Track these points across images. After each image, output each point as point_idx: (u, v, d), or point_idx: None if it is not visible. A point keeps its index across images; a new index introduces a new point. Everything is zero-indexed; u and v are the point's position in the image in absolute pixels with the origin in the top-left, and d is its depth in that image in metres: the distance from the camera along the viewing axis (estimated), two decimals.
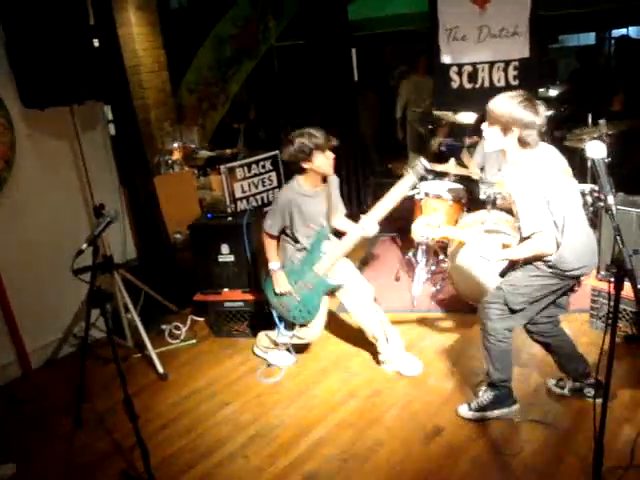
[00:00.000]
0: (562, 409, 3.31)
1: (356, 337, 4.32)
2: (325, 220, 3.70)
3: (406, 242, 5.63)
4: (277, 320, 3.87)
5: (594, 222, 4.50)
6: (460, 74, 5.69)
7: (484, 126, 2.95)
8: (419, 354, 4.00)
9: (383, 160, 8.23)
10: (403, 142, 7.85)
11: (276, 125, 8.06)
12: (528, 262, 2.94)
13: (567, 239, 2.83)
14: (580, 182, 4.58)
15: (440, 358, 3.95)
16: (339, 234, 3.78)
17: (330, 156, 3.52)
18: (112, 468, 3.23)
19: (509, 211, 4.47)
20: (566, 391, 3.38)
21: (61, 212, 4.47)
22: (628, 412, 3.19)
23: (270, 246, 3.75)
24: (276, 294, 3.74)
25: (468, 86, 5.71)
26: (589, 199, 4.43)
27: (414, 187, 3.76)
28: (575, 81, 7.09)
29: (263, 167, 5.10)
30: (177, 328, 4.62)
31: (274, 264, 3.73)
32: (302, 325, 3.86)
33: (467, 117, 5.48)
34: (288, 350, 4.05)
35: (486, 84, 5.63)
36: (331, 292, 3.79)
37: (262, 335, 4.13)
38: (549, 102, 6.11)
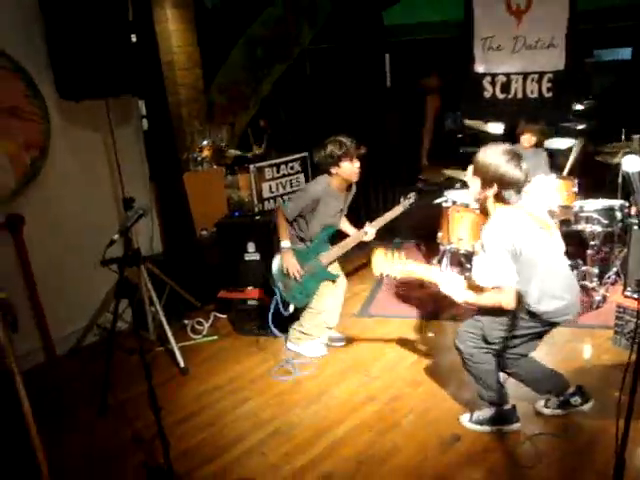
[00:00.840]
0: (582, 423, 3.28)
1: (377, 341, 4.35)
2: (337, 220, 4.06)
3: (431, 249, 5.62)
4: (278, 297, 4.03)
5: (623, 238, 4.48)
6: (493, 84, 5.67)
7: (468, 172, 2.93)
8: (439, 362, 4.01)
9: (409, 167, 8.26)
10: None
11: (305, 128, 8.08)
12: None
13: (545, 289, 2.84)
14: (610, 197, 4.59)
15: (459, 367, 3.91)
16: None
17: (356, 164, 3.81)
18: (133, 458, 3.28)
19: None
20: (555, 409, 3.34)
21: (91, 203, 4.56)
22: None
23: (283, 226, 3.95)
24: (283, 275, 3.95)
25: (501, 96, 5.68)
26: (619, 215, 4.40)
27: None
28: (609, 96, 7.04)
29: (292, 168, 5.12)
30: (199, 324, 4.67)
31: (286, 243, 3.94)
32: (298, 309, 4.09)
33: (496, 128, 5.47)
34: (329, 341, 4.29)
35: (519, 95, 5.60)
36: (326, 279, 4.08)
37: (291, 329, 4.24)
38: (580, 116, 6.09)
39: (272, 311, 4.10)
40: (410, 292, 5.11)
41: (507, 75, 5.62)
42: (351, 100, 6.32)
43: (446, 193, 4.92)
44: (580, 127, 5.88)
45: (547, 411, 3.35)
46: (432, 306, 4.78)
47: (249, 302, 4.50)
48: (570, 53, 5.37)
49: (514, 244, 2.74)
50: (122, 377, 4.02)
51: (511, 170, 2.75)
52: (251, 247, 4.39)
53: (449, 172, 4.99)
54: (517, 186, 2.79)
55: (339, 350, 4.27)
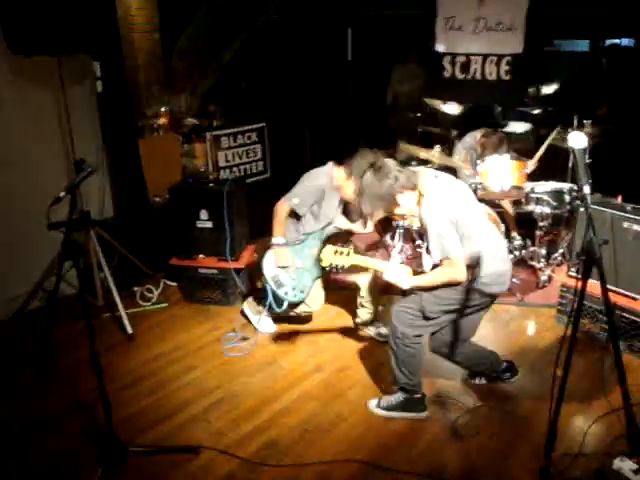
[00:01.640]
0: (520, 397, 3.39)
1: (326, 314, 4.37)
2: (334, 217, 3.93)
3: (383, 225, 5.65)
4: (270, 295, 3.87)
5: (570, 221, 4.59)
6: (453, 64, 5.71)
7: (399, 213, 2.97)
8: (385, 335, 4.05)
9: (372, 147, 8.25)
10: (393, 128, 7.84)
11: (264, 98, 7.99)
12: None
13: (481, 258, 2.88)
14: (560, 181, 4.69)
15: None
16: None
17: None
18: (73, 423, 3.22)
19: (490, 203, 4.54)
20: (483, 381, 3.48)
21: (39, 164, 4.41)
22: (582, 405, 3.27)
23: (280, 222, 3.83)
24: (274, 269, 3.82)
25: (460, 77, 5.72)
26: (567, 197, 4.50)
27: None
28: (568, 84, 7.16)
29: (249, 138, 5.09)
30: (149, 291, 4.61)
31: (279, 239, 3.82)
32: (292, 306, 3.92)
33: (452, 109, 5.50)
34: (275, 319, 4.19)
35: (478, 76, 5.66)
36: (321, 276, 3.97)
37: (251, 299, 4.23)
38: (538, 101, 6.18)
39: (269, 301, 3.92)
40: None
41: (467, 56, 5.66)
42: (312, 72, 6.27)
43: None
44: (535, 112, 5.96)
45: (476, 381, 3.48)
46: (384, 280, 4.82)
47: (200, 270, 4.45)
48: (529, 37, 5.43)
49: (452, 213, 2.80)
50: (67, 343, 3.94)
51: (382, 182, 2.82)
52: (204, 215, 4.33)
53: (406, 147, 5.00)
54: (399, 179, 2.83)
55: (288, 322, 4.27)
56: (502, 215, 4.71)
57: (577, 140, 1.99)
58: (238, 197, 4.43)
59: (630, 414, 2.07)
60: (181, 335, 4.14)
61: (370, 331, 4.08)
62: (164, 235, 4.82)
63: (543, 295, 4.54)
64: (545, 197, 4.50)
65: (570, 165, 4.78)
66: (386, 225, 5.30)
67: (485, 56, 5.58)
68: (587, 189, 1.91)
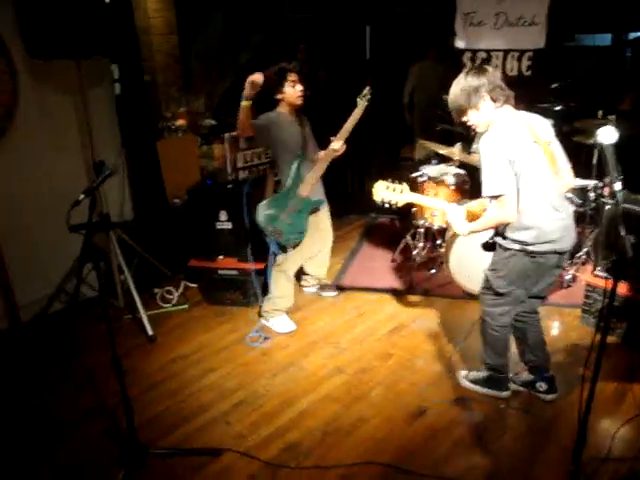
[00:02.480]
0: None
1: (347, 315, 4.34)
2: (302, 149, 3.97)
3: (404, 224, 5.61)
4: (273, 247, 4.04)
5: (594, 219, 4.49)
6: (473, 60, 5.63)
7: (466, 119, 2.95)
8: (410, 335, 4.02)
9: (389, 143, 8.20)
10: (410, 126, 7.78)
11: None
12: (501, 244, 2.94)
13: (532, 211, 2.79)
14: (584, 178, 4.58)
15: (430, 341, 3.95)
16: None
17: (298, 88, 3.87)
18: (95, 425, 3.22)
19: None
20: (519, 386, 3.39)
21: (59, 167, 4.43)
22: (610, 407, 3.20)
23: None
24: (270, 220, 3.91)
25: None
26: (592, 195, 4.40)
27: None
28: (590, 79, 7.05)
29: None
30: (169, 293, 4.61)
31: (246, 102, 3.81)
32: (295, 246, 4.04)
33: None
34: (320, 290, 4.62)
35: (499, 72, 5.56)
36: (313, 210, 4.06)
37: (265, 300, 4.24)
38: (560, 97, 6.06)
39: (272, 251, 4.11)
40: (382, 266, 5.11)
41: (488, 52, 5.59)
42: (330, 71, 6.24)
43: (421, 168, 4.89)
44: (557, 108, 5.85)
45: (512, 386, 3.38)
46: (404, 280, 4.78)
47: (220, 271, 4.44)
48: (551, 32, 5.34)
49: (510, 151, 2.73)
50: (89, 345, 3.96)
51: (475, 78, 2.80)
52: (223, 216, 4.32)
53: (428, 144, 4.94)
54: (493, 84, 2.80)
55: (308, 322, 4.25)
56: None
57: (607, 135, 1.92)
58: (257, 197, 4.40)
59: None
60: (201, 336, 4.13)
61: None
62: (183, 236, 4.82)
63: (567, 295, 4.45)
64: (569, 194, 4.40)
65: (594, 161, 4.68)
66: (406, 225, 5.25)
67: (506, 52, 5.50)
68: (618, 186, 1.85)
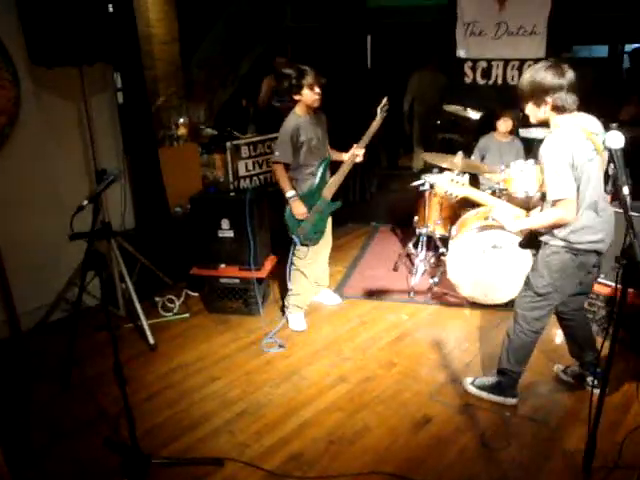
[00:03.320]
0: (552, 407, 3.30)
1: (350, 323, 4.32)
2: (325, 149, 4.12)
3: (406, 233, 5.61)
4: (299, 244, 4.11)
5: None
6: (474, 69, 5.65)
7: (524, 106, 2.94)
8: (413, 344, 4.00)
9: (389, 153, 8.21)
10: (409, 136, 7.80)
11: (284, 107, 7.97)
12: (545, 242, 2.96)
13: (584, 214, 2.83)
14: None
15: (434, 350, 3.93)
16: None
17: (317, 90, 3.90)
18: (96, 434, 3.19)
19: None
20: (569, 379, 3.47)
21: (61, 175, 4.41)
22: (618, 415, 3.17)
23: (283, 177, 4.00)
24: (297, 221, 4.03)
25: (481, 82, 5.67)
26: None
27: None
28: (588, 90, 7.06)
29: (269, 147, 5.03)
30: (171, 301, 4.58)
31: (290, 193, 3.99)
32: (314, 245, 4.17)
33: (476, 114, 5.44)
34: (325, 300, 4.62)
35: (499, 81, 5.60)
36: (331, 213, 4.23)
37: (288, 295, 4.33)
38: None
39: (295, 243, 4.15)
40: (384, 275, 5.09)
41: (488, 61, 5.61)
42: (331, 80, 6.23)
43: (423, 177, 4.88)
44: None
45: (564, 377, 3.49)
46: (406, 289, 4.76)
47: (221, 280, 4.42)
48: (551, 42, 5.37)
49: (573, 157, 2.73)
50: (90, 353, 3.94)
51: (551, 76, 2.76)
52: (225, 224, 4.31)
53: (428, 157, 4.93)
54: (564, 87, 2.77)
55: (311, 330, 4.23)
56: None
57: (614, 139, 1.92)
58: (259, 206, 4.41)
59: None
60: (203, 345, 4.10)
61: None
62: (185, 245, 4.80)
63: None
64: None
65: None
66: (408, 234, 5.24)
67: (507, 61, 5.53)
68: (626, 190, 1.84)
